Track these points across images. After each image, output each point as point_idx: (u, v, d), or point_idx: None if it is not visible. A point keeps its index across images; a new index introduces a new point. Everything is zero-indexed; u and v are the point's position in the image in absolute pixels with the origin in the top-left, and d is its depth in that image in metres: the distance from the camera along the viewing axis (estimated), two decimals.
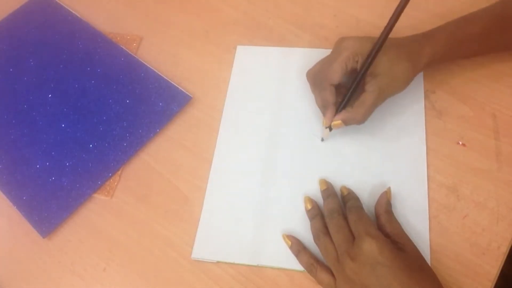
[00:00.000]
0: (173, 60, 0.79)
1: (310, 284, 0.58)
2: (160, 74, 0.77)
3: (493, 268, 0.56)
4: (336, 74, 0.61)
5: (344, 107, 0.62)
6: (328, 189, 0.62)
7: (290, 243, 0.60)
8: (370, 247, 0.51)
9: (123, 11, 0.87)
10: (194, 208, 0.65)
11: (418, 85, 0.69)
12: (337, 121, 0.62)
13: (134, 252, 0.64)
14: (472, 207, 0.59)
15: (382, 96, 0.61)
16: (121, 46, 0.81)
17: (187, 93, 0.74)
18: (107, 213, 0.67)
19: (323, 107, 0.64)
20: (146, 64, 0.78)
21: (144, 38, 0.83)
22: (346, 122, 0.62)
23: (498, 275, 0.56)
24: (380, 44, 0.58)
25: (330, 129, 0.64)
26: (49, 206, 0.68)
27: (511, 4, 0.63)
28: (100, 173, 0.69)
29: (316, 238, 0.58)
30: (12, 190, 0.70)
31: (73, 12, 0.87)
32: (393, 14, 0.55)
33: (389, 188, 0.61)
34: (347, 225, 0.56)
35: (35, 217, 0.67)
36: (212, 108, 0.73)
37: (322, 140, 0.67)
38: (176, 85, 0.75)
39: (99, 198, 0.68)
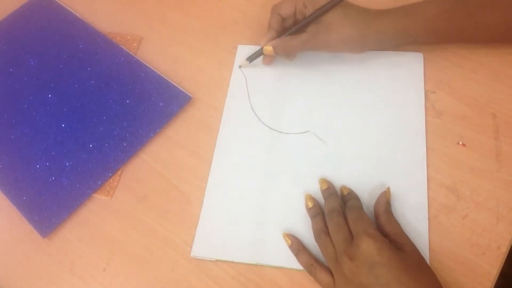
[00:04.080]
0: (173, 60, 0.79)
1: (309, 284, 0.58)
2: (160, 74, 0.77)
3: (493, 268, 0.56)
4: (285, 7, 0.69)
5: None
6: (329, 189, 0.62)
7: (290, 242, 0.60)
8: (368, 246, 0.51)
9: (123, 11, 0.87)
10: (194, 208, 0.65)
11: (418, 85, 0.69)
12: (268, 46, 0.69)
13: (134, 252, 0.64)
14: (472, 207, 0.59)
15: (314, 42, 0.67)
16: (121, 46, 0.81)
17: (187, 93, 0.74)
18: (107, 213, 0.67)
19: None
20: (146, 64, 0.78)
21: (144, 38, 0.83)
22: (275, 49, 0.68)
23: (498, 275, 0.55)
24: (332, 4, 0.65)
25: (250, 61, 0.72)
26: (49, 206, 0.68)
27: None
28: (100, 173, 0.69)
29: (317, 237, 0.58)
30: (12, 190, 0.70)
31: (73, 12, 0.87)
32: None
33: (388, 188, 0.61)
34: (347, 225, 0.56)
35: (35, 217, 0.67)
36: (212, 108, 0.73)
37: (240, 67, 0.75)
38: (176, 85, 0.75)
39: (99, 198, 0.68)
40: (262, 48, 0.70)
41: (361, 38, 0.67)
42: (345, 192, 0.61)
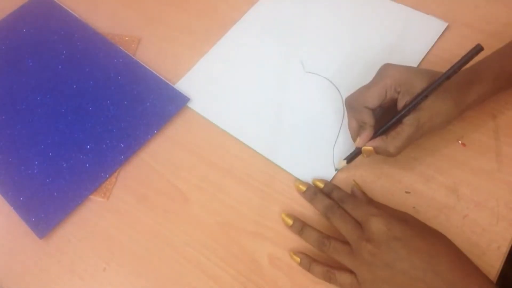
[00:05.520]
0: (172, 61, 0.79)
1: (310, 283, 0.58)
2: (158, 75, 0.77)
3: (493, 268, 0.56)
4: (373, 99, 0.59)
5: (377, 135, 0.60)
6: (310, 188, 0.63)
7: (299, 259, 0.59)
8: (378, 225, 0.52)
9: (122, 12, 0.87)
10: (194, 208, 0.65)
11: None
12: (369, 147, 0.59)
13: (134, 252, 0.63)
14: (472, 207, 0.59)
15: (419, 132, 0.58)
16: (120, 47, 0.81)
17: (185, 94, 0.74)
18: (107, 213, 0.67)
19: (355, 130, 0.62)
20: (144, 65, 0.78)
21: (143, 38, 0.83)
22: (377, 150, 0.59)
23: (498, 275, 0.55)
24: (439, 83, 0.56)
25: (349, 161, 0.63)
26: (46, 207, 0.67)
27: None
28: (97, 174, 0.69)
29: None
30: (9, 191, 0.69)
31: (72, 12, 0.87)
32: (462, 58, 0.54)
33: (355, 181, 0.63)
34: (349, 214, 0.56)
35: (32, 218, 0.67)
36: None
37: (336, 170, 0.64)
38: (175, 86, 0.75)
39: (95, 199, 0.68)
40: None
41: (459, 109, 0.59)
42: (321, 185, 0.62)
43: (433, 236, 0.53)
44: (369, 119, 0.60)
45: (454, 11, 0.74)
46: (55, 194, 0.68)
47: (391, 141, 0.58)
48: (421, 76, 0.58)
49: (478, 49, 0.53)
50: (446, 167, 0.62)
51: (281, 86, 0.73)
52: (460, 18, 0.65)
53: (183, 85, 0.76)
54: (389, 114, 0.60)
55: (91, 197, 0.68)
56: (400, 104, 0.59)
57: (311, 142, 0.67)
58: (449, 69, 0.55)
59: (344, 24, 0.77)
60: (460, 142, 0.64)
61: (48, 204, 0.67)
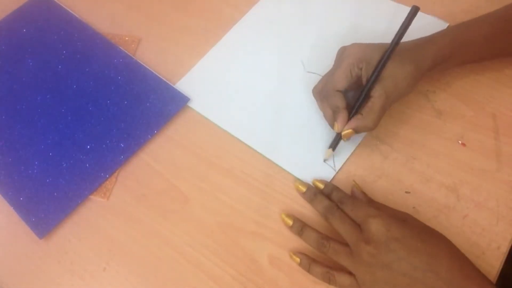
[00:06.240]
0: (172, 61, 0.79)
1: (310, 284, 0.58)
2: (158, 75, 0.77)
3: (493, 268, 0.56)
4: (341, 80, 0.62)
5: (352, 116, 0.61)
6: (310, 189, 0.62)
7: (298, 260, 0.59)
8: (377, 226, 0.52)
9: (122, 12, 0.87)
10: (194, 208, 0.65)
11: None
12: (347, 130, 0.60)
13: (134, 252, 0.63)
14: (472, 207, 0.59)
15: (389, 100, 0.60)
16: (120, 47, 0.81)
17: (185, 94, 0.74)
18: (107, 213, 0.67)
19: (332, 117, 0.62)
20: (144, 65, 0.78)
21: (143, 39, 0.83)
22: (357, 130, 0.60)
23: (498, 275, 0.55)
24: (390, 50, 0.59)
25: (334, 149, 0.63)
26: (46, 207, 0.67)
27: None
28: (97, 174, 0.69)
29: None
30: (9, 191, 0.69)
31: (72, 12, 0.87)
32: (403, 23, 0.59)
33: (355, 181, 0.63)
34: (348, 215, 0.57)
35: (32, 218, 0.66)
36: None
37: (325, 161, 0.65)
38: (175, 86, 0.75)
39: (95, 199, 0.68)
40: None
41: (419, 71, 0.61)
42: (322, 186, 0.62)
43: (433, 237, 0.53)
44: (341, 101, 0.61)
45: (454, 11, 0.74)
46: (55, 194, 0.68)
47: (367, 117, 0.60)
48: (377, 48, 0.61)
49: (414, 10, 0.59)
50: (446, 167, 0.62)
51: (282, 86, 0.73)
52: (460, 18, 0.65)
53: (183, 85, 0.76)
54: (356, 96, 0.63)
55: (91, 197, 0.68)
56: (365, 79, 0.61)
57: (311, 142, 0.67)
58: (395, 35, 0.60)
59: (344, 23, 0.77)
60: (460, 142, 0.64)
61: (48, 204, 0.67)
